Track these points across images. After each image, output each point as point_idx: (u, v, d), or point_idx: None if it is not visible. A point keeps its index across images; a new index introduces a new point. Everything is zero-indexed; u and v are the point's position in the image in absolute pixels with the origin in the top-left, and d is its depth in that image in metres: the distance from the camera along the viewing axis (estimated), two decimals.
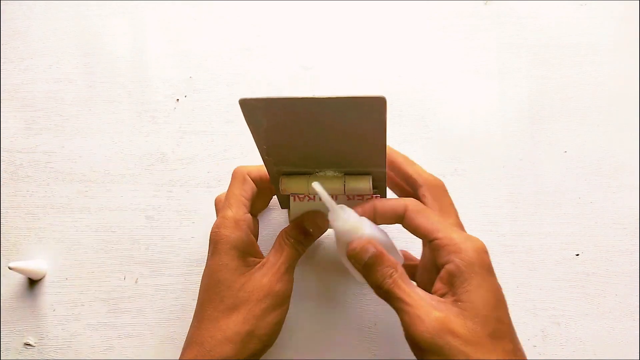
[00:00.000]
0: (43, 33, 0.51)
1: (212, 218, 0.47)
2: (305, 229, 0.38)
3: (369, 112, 0.30)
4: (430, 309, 0.33)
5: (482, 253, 0.34)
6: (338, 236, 0.36)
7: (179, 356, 0.46)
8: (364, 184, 0.35)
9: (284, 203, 0.42)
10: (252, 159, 0.46)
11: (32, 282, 0.47)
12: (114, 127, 0.50)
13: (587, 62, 0.49)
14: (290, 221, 0.39)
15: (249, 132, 0.34)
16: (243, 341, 0.35)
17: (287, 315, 0.38)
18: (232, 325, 0.35)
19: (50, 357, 0.46)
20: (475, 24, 0.50)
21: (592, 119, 0.48)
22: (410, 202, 0.35)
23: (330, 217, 0.35)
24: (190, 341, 0.36)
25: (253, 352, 0.36)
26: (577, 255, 0.46)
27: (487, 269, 0.34)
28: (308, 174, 0.36)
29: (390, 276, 0.34)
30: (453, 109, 0.49)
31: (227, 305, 0.36)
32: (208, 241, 0.38)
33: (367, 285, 0.35)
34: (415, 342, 0.33)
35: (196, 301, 0.38)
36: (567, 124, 0.48)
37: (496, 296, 0.34)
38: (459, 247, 0.33)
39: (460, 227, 0.37)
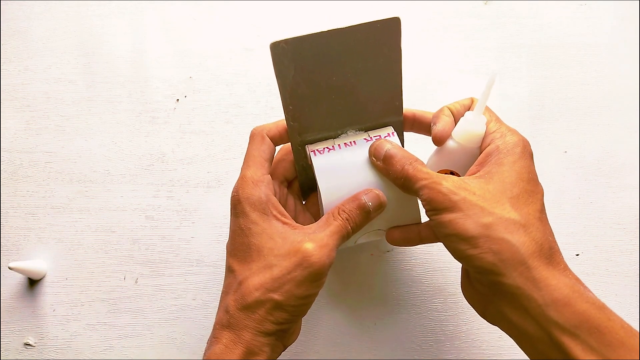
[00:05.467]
0: (43, 33, 0.51)
1: (212, 218, 0.48)
2: (363, 203, 0.35)
3: (386, 35, 0.34)
4: (448, 177, 0.33)
5: (527, 143, 0.34)
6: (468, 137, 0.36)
7: (179, 355, 0.46)
8: (386, 130, 0.38)
9: (305, 184, 0.41)
10: None
11: (32, 282, 0.47)
12: (114, 127, 0.50)
13: (587, 62, 0.49)
14: (317, 182, 0.36)
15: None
16: (266, 305, 0.32)
17: None
18: (254, 290, 0.32)
19: (50, 357, 0.46)
20: (475, 24, 0.50)
21: (592, 119, 0.48)
22: (475, 98, 0.38)
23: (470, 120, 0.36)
24: (220, 306, 0.35)
25: (279, 321, 0.32)
26: (577, 255, 0.46)
27: (529, 155, 0.34)
28: (331, 138, 0.38)
29: (410, 164, 0.34)
30: None
31: (252, 267, 0.33)
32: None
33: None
34: (432, 206, 0.32)
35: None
36: (567, 124, 0.48)
37: (530, 175, 0.33)
38: (505, 134, 0.34)
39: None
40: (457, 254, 0.32)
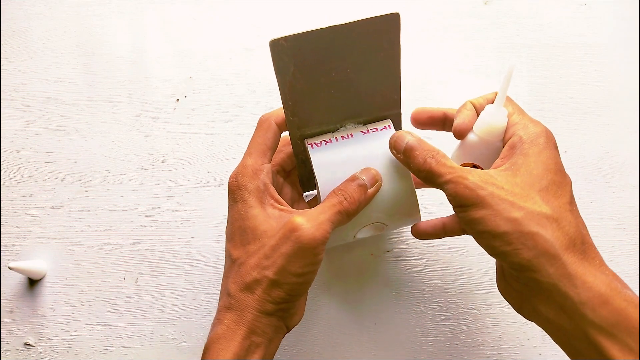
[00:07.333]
0: (43, 33, 0.51)
1: (212, 218, 0.48)
2: (357, 180, 0.35)
3: (386, 31, 0.34)
4: (474, 171, 0.32)
5: (550, 133, 0.34)
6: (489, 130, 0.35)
7: (179, 355, 0.46)
8: (383, 122, 0.39)
9: (304, 175, 0.41)
10: None
11: (32, 282, 0.47)
12: (114, 127, 0.50)
13: (587, 62, 0.49)
14: (315, 175, 0.36)
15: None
16: (262, 284, 0.32)
17: None
18: (251, 270, 0.33)
19: (50, 357, 0.46)
20: (475, 24, 0.50)
21: (592, 119, 0.48)
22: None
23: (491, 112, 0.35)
24: (221, 291, 0.35)
25: (277, 300, 0.32)
26: None
27: (554, 145, 0.33)
28: (330, 132, 0.38)
29: (432, 157, 0.33)
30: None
31: (248, 250, 0.34)
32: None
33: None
34: (458, 202, 0.31)
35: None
36: (567, 124, 0.48)
37: (557, 166, 0.32)
38: (527, 125, 0.34)
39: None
40: (491, 251, 0.31)
